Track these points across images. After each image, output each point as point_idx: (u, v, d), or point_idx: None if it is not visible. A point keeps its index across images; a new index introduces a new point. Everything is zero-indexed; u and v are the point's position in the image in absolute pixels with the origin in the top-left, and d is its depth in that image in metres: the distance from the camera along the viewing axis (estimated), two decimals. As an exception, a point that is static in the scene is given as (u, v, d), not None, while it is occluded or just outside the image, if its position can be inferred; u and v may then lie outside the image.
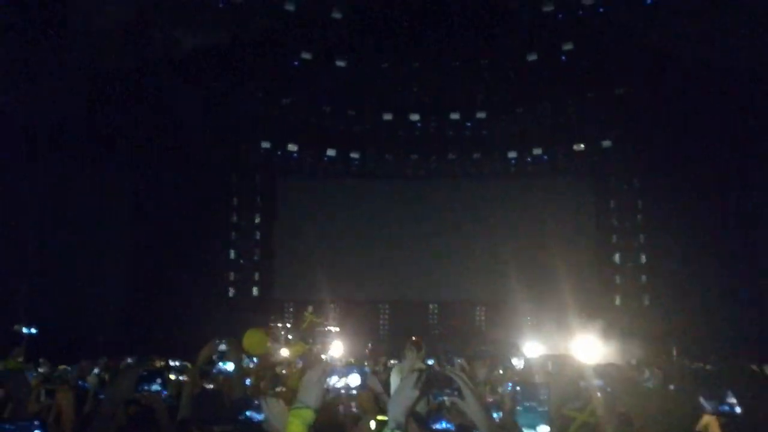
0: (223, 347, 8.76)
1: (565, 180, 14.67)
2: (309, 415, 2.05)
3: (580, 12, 13.23)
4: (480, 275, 13.53)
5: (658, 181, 13.37)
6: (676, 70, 12.59)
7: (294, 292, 14.34)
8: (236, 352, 4.09)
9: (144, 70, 13.48)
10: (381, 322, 14.00)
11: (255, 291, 14.89)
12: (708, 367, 8.55)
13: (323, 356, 11.01)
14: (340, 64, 14.74)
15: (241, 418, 3.11)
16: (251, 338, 8.32)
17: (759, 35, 11.42)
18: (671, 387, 5.45)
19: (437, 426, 2.87)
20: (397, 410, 1.88)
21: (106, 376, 7.41)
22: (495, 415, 3.94)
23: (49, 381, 5.91)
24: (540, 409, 2.49)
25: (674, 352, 11.56)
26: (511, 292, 13.73)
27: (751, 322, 12.93)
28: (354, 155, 15.11)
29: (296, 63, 14.63)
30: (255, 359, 7.69)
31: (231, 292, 14.70)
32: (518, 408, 2.54)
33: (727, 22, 11.70)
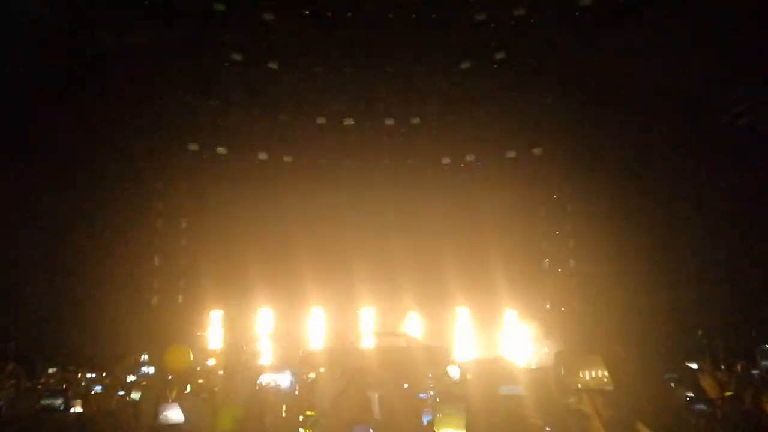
0: (145, 358, 8.52)
1: (497, 187, 14.86)
2: (237, 411, 2.42)
3: (512, 22, 13.62)
4: (413, 281, 13.59)
5: (587, 188, 13.81)
6: (605, 81, 13.13)
7: (222, 300, 13.87)
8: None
9: (63, 70, 12.87)
10: (314, 328, 13.77)
11: (180, 299, 14.30)
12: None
13: (254, 362, 10.80)
14: (272, 66, 14.57)
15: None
16: (173, 355, 8.15)
17: (685, 51, 12.12)
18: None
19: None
20: (323, 401, 2.08)
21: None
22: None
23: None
24: (457, 415, 2.77)
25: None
26: (444, 297, 13.90)
27: (675, 324, 13.56)
28: (287, 159, 14.90)
29: (226, 64, 14.36)
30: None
31: (154, 300, 14.07)
32: (438, 414, 2.85)
33: (652, 36, 12.33)
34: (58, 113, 12.88)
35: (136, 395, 6.41)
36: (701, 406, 3.25)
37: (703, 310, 13.40)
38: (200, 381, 6.83)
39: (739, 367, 8.78)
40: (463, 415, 2.64)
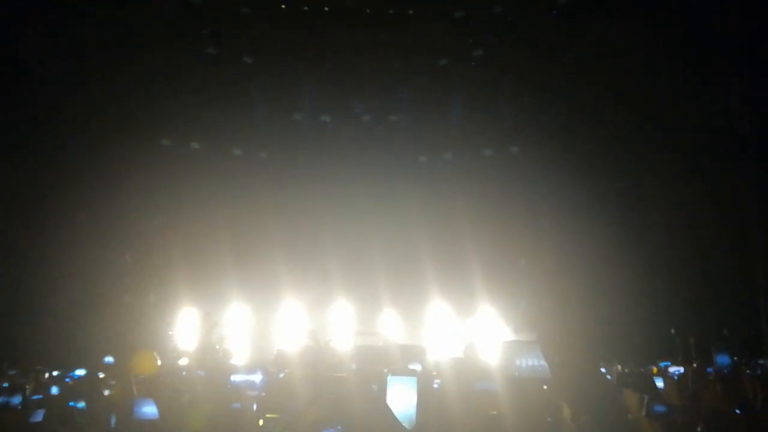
0: (109, 360, 8.30)
1: (474, 185, 14.82)
2: (208, 409, 2.47)
3: (491, 20, 13.65)
4: (390, 279, 13.59)
5: (564, 187, 13.86)
6: (583, 79, 13.20)
7: (195, 298, 13.67)
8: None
9: (34, 61, 12.62)
10: (289, 327, 13.68)
11: (152, 297, 14.05)
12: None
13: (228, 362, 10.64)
14: (248, 61, 14.40)
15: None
16: (139, 361, 8.06)
17: (664, 49, 12.24)
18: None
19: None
20: (293, 403, 2.02)
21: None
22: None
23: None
24: (409, 387, 2.84)
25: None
26: (421, 295, 13.91)
27: (649, 325, 13.67)
28: (262, 155, 14.75)
29: (201, 58, 14.17)
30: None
31: (126, 298, 13.79)
32: (389, 388, 2.84)
33: (631, 34, 12.43)
34: (27, 106, 12.62)
35: (54, 390, 6.25)
36: (661, 409, 3.18)
37: (676, 308, 13.55)
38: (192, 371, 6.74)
39: (694, 365, 8.79)
40: (415, 388, 2.63)
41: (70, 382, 7.84)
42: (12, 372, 9.59)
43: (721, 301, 13.04)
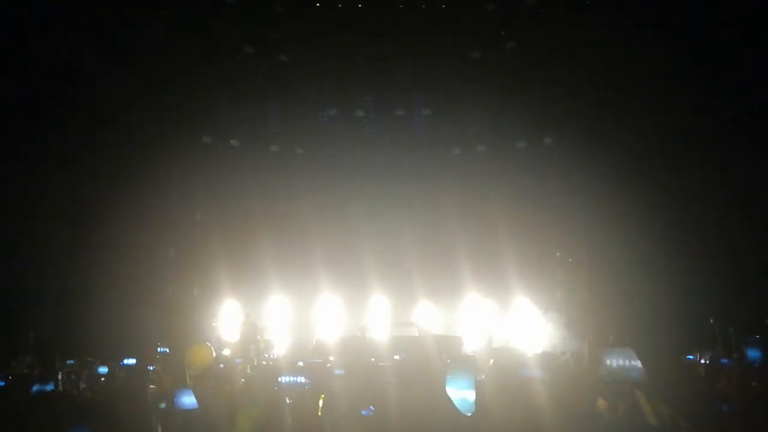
0: (164, 350, 8.60)
1: (507, 177, 14.77)
2: (257, 413, 2.32)
3: (523, 12, 13.58)
4: (426, 271, 13.67)
5: (598, 177, 13.74)
6: (616, 70, 13.04)
7: (236, 291, 14.02)
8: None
9: (79, 62, 12.96)
10: (327, 318, 13.91)
11: (195, 290, 14.45)
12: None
13: (266, 355, 10.93)
14: (284, 59, 14.60)
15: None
16: (196, 353, 8.33)
17: (699, 38, 12.00)
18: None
19: (364, 412, 3.33)
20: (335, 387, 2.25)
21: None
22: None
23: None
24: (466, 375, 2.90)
25: (611, 342, 11.96)
26: (456, 287, 13.97)
27: (683, 315, 13.51)
28: (299, 151, 14.94)
29: (238, 57, 14.41)
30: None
31: (170, 291, 14.21)
32: (449, 376, 2.93)
33: (665, 25, 12.24)
34: (71, 106, 12.95)
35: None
36: (726, 408, 3.24)
37: (714, 298, 13.34)
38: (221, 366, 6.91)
39: (708, 357, 8.63)
40: (473, 376, 2.72)
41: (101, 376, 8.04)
42: (70, 362, 9.93)
43: (752, 292, 12.84)
